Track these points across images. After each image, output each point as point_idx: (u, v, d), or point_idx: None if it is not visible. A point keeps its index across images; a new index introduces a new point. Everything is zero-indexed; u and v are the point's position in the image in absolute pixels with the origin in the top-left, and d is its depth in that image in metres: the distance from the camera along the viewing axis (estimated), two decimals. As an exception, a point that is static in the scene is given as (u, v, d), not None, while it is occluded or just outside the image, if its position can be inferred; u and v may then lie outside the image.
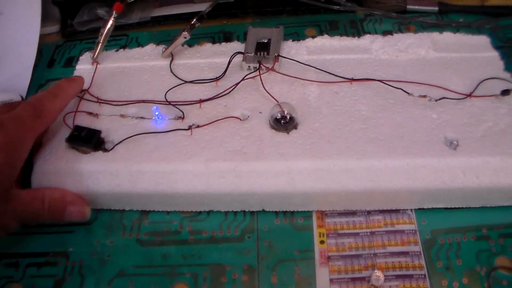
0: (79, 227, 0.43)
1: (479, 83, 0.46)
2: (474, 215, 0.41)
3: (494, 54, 0.49)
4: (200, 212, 0.43)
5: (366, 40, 0.51)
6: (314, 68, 0.48)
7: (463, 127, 0.42)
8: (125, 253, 0.41)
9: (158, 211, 0.43)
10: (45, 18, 0.61)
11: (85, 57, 0.53)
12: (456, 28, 0.56)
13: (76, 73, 0.51)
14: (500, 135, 0.41)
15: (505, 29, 0.56)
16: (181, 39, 0.50)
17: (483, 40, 0.51)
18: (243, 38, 0.57)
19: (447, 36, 0.51)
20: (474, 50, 0.50)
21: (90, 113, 0.46)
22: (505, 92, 0.44)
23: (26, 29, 0.59)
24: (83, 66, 0.52)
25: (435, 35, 0.51)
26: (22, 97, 0.50)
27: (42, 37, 0.59)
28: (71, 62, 0.57)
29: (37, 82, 0.56)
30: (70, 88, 0.45)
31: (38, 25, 0.59)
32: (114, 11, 0.50)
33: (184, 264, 0.40)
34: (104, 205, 0.43)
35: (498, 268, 0.37)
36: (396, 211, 0.41)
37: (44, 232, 0.43)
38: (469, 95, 0.45)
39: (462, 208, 0.41)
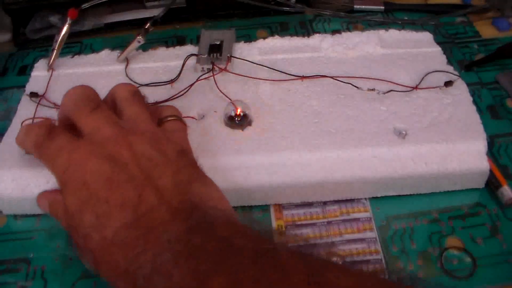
0: (40, 232, 0.42)
1: (424, 76, 0.48)
2: (425, 200, 0.43)
3: (437, 49, 0.52)
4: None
5: (316, 39, 0.53)
6: (266, 68, 0.49)
7: (410, 118, 0.44)
8: (88, 255, 0.41)
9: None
10: (-4, 27, 0.60)
11: (40, 64, 0.53)
12: (401, 26, 0.58)
13: (31, 80, 0.51)
14: (445, 123, 0.43)
15: (446, 26, 0.59)
16: (135, 44, 0.50)
17: (427, 36, 0.53)
18: (196, 41, 0.58)
19: (393, 33, 0.53)
20: (418, 45, 0.52)
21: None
22: (448, 84, 0.47)
23: (-24, 38, 0.58)
24: (39, 73, 0.51)
25: (382, 32, 0.53)
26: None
27: (-6, 46, 0.59)
28: (25, 70, 0.57)
29: (-11, 91, 0.56)
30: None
31: (-11, 34, 0.59)
32: (69, 18, 0.50)
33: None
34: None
35: (449, 248, 0.39)
36: (351, 200, 0.43)
37: (3, 240, 0.42)
38: (415, 88, 0.47)
39: (414, 194, 0.43)
